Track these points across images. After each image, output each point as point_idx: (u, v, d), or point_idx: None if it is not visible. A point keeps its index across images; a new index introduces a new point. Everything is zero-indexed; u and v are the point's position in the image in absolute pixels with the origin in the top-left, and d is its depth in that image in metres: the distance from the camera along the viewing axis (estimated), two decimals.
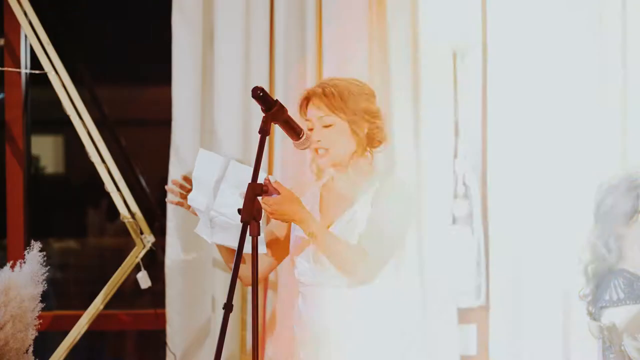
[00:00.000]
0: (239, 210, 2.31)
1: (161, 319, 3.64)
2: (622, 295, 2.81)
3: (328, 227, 2.59)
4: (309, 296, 2.62)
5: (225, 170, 2.45)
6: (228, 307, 2.24)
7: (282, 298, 3.52)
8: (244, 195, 2.33)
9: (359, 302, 2.55)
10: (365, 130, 2.61)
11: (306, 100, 2.65)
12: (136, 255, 3.47)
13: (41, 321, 2.89)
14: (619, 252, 2.89)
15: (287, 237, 2.74)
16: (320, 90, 2.62)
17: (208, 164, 2.48)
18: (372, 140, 2.64)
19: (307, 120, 2.65)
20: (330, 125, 2.60)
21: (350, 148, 2.61)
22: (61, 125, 3.89)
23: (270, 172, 3.60)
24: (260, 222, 2.34)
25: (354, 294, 2.55)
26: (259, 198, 2.35)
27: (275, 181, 2.43)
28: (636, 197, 2.87)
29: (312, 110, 2.63)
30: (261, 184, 2.34)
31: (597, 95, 3.67)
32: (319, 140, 2.60)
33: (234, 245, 2.39)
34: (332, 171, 2.70)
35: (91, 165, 3.46)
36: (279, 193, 2.42)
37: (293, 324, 2.71)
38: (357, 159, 2.64)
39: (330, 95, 2.59)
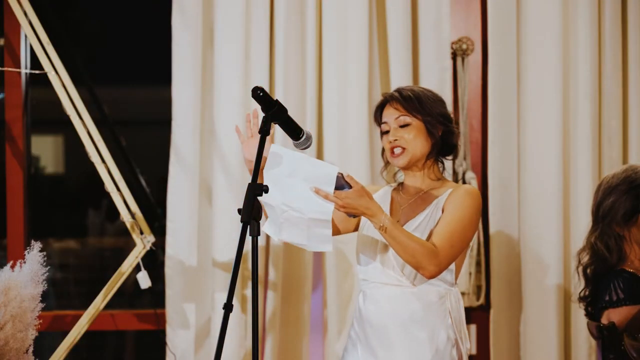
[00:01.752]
0: (239, 210, 2.31)
1: (161, 319, 3.64)
2: (621, 296, 2.80)
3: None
4: (370, 294, 2.69)
5: (296, 164, 2.45)
6: (228, 307, 2.24)
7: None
8: (314, 189, 2.40)
9: (418, 302, 2.62)
10: (440, 133, 2.70)
11: (382, 105, 2.75)
12: (136, 255, 3.47)
13: (41, 321, 2.89)
14: (619, 252, 2.89)
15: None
16: (397, 94, 2.72)
17: (279, 159, 2.47)
18: (445, 144, 2.73)
19: (383, 123, 2.73)
20: (407, 125, 2.68)
21: (426, 148, 2.69)
22: (61, 125, 3.89)
23: None
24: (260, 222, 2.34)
25: (413, 293, 2.62)
26: (333, 192, 2.41)
27: (348, 175, 2.47)
28: (636, 198, 2.87)
29: (389, 112, 2.72)
30: (261, 184, 2.34)
31: (596, 95, 3.67)
32: (395, 139, 2.68)
33: (303, 243, 2.47)
34: (402, 176, 2.79)
35: (91, 165, 3.46)
36: (351, 186, 2.46)
37: (352, 321, 2.77)
38: (431, 164, 2.73)
39: (407, 97, 2.69)
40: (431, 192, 2.71)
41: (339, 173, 2.43)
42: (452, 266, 2.65)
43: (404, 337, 2.62)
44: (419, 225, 2.65)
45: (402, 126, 2.69)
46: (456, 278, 2.70)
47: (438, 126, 2.70)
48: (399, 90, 2.73)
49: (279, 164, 2.45)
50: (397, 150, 2.68)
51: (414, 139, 2.68)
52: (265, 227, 2.55)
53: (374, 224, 2.51)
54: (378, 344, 2.64)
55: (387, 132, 2.72)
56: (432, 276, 2.55)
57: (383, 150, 2.77)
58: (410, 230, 2.62)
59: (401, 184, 2.81)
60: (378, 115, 2.76)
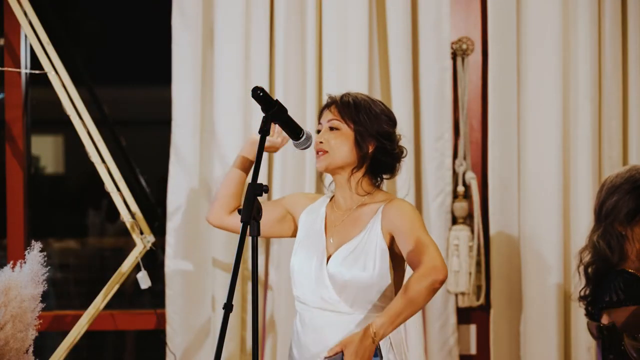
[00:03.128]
0: (239, 210, 2.31)
1: (161, 319, 3.64)
2: (622, 296, 2.80)
3: (335, 251, 2.57)
4: (309, 319, 2.59)
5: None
6: (228, 307, 2.24)
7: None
8: None
9: (358, 329, 2.48)
10: (371, 149, 2.60)
11: (325, 107, 2.67)
12: (136, 255, 3.47)
13: (41, 321, 2.89)
14: (621, 252, 2.89)
15: (275, 219, 2.76)
16: (337, 97, 2.65)
17: None
18: (376, 162, 2.62)
19: (319, 124, 2.67)
20: (336, 129, 2.60)
21: (351, 159, 2.59)
22: (61, 125, 3.89)
23: (270, 172, 3.60)
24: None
25: (353, 320, 2.52)
26: None
27: (327, 351, 2.39)
28: (639, 197, 2.87)
29: (326, 114, 2.64)
30: (261, 184, 2.34)
31: (596, 95, 3.67)
32: (321, 142, 2.60)
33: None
34: (332, 185, 2.70)
35: (91, 165, 3.46)
36: (341, 353, 2.36)
37: (290, 343, 2.68)
38: (359, 178, 2.62)
39: (345, 103, 2.61)
40: (362, 211, 2.60)
41: (325, 359, 2.38)
42: (392, 288, 2.53)
43: None
44: (354, 250, 2.53)
45: (331, 129, 2.61)
46: (392, 298, 2.54)
47: (370, 140, 2.58)
48: (342, 95, 2.64)
49: None
50: (320, 154, 2.60)
51: (338, 145, 2.58)
52: None
53: (384, 335, 2.38)
54: None
55: (318, 132, 2.65)
56: (446, 277, 2.40)
57: None
58: (345, 255, 2.52)
59: (334, 196, 2.72)
60: (320, 116, 2.68)
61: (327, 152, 2.59)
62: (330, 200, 2.72)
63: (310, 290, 2.58)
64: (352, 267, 2.51)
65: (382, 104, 2.66)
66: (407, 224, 2.49)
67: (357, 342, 2.35)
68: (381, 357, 2.47)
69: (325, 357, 2.38)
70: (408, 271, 2.58)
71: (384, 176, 2.67)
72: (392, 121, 2.64)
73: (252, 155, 2.79)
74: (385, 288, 2.51)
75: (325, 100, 2.71)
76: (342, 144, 2.58)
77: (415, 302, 2.36)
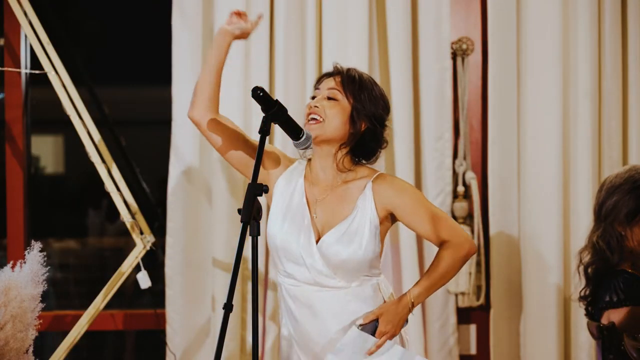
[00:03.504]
0: (239, 210, 2.31)
1: (161, 319, 3.64)
2: (622, 296, 2.80)
3: (325, 230, 2.56)
4: (304, 298, 2.57)
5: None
6: (228, 307, 2.24)
7: None
8: (369, 352, 2.48)
9: (356, 300, 2.55)
10: (362, 127, 2.58)
11: (328, 75, 2.63)
12: (136, 255, 3.47)
13: (41, 321, 2.89)
14: (621, 252, 2.89)
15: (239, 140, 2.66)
16: (344, 69, 2.62)
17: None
18: (361, 143, 2.60)
19: (316, 89, 2.63)
20: (334, 99, 2.58)
21: (342, 132, 2.56)
22: (61, 125, 3.89)
23: None
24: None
25: (350, 292, 2.55)
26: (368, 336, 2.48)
27: (363, 318, 2.51)
28: (638, 198, 2.87)
29: (327, 82, 2.61)
30: (261, 184, 2.34)
31: (596, 95, 3.67)
32: (316, 106, 2.56)
33: None
34: (310, 155, 2.65)
35: (91, 165, 3.46)
36: (376, 320, 2.50)
37: (283, 318, 2.64)
38: (343, 155, 2.59)
39: (350, 77, 2.59)
40: (347, 187, 2.58)
41: (359, 327, 2.48)
42: (377, 254, 2.57)
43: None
44: (348, 229, 2.53)
45: (329, 98, 2.58)
46: (379, 265, 2.65)
47: (364, 119, 2.56)
48: (349, 68, 2.62)
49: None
50: (313, 121, 2.55)
51: (333, 115, 2.54)
52: None
53: (418, 303, 2.55)
54: (321, 350, 2.55)
55: (314, 98, 2.61)
56: (476, 248, 2.57)
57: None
58: (339, 236, 2.53)
59: (309, 166, 2.65)
60: (318, 82, 2.64)
61: (320, 120, 2.55)
62: (306, 171, 2.66)
63: (298, 266, 2.56)
64: (348, 247, 2.53)
65: (381, 89, 2.65)
66: (410, 201, 2.57)
67: (392, 311, 2.50)
68: (406, 320, 2.56)
69: (360, 325, 2.49)
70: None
71: (363, 160, 2.64)
72: (387, 108, 2.65)
73: (226, 43, 2.71)
74: (373, 259, 2.56)
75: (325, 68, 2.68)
76: (336, 115, 2.56)
77: (450, 274, 2.56)
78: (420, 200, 2.58)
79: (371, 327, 2.49)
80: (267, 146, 2.67)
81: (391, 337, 2.50)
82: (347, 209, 2.57)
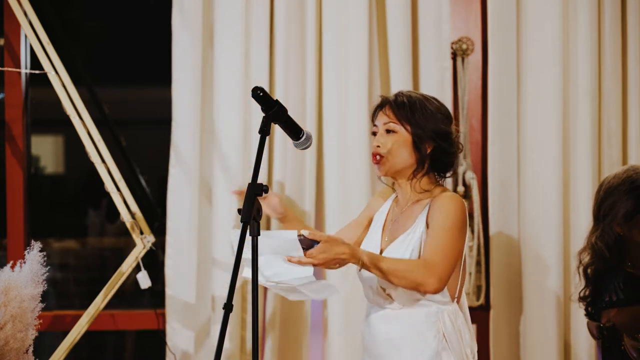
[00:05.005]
0: (239, 210, 2.31)
1: (161, 319, 3.64)
2: (621, 296, 2.80)
3: (387, 246, 2.60)
4: (368, 313, 2.66)
5: (257, 245, 2.36)
6: (228, 307, 2.24)
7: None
8: (287, 258, 2.38)
9: (400, 323, 2.56)
10: (429, 150, 2.58)
11: (379, 107, 2.65)
12: (136, 255, 3.47)
13: (41, 321, 2.89)
14: (620, 252, 2.89)
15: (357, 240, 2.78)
16: (392, 98, 2.62)
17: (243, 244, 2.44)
18: (435, 162, 2.60)
19: (374, 125, 2.65)
20: (393, 132, 2.58)
21: (409, 162, 2.58)
22: (61, 125, 3.89)
23: (270, 172, 3.60)
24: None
25: (398, 315, 2.57)
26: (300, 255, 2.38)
27: (310, 232, 2.41)
28: (637, 198, 2.87)
29: (381, 116, 2.62)
30: (261, 184, 2.34)
31: (596, 95, 3.67)
32: (378, 146, 2.59)
33: (309, 296, 2.49)
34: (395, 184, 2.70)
35: (91, 165, 3.46)
36: (316, 242, 2.39)
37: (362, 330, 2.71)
38: (420, 178, 2.60)
39: (400, 104, 2.58)
40: (414, 207, 2.61)
41: (299, 235, 2.37)
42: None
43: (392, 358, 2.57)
44: (400, 245, 2.56)
45: (388, 132, 2.59)
46: (453, 295, 2.59)
47: (428, 141, 2.57)
48: (396, 95, 2.62)
49: (246, 249, 2.41)
50: (378, 157, 2.59)
51: (396, 149, 2.57)
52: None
53: (357, 265, 2.45)
54: None
55: (374, 134, 2.65)
56: (437, 290, 2.44)
57: None
58: (393, 251, 2.55)
59: (396, 197, 2.74)
60: (373, 116, 2.68)
61: (383, 156, 2.58)
62: (395, 198, 2.73)
63: (365, 285, 2.64)
64: None
65: (436, 100, 2.63)
66: (437, 219, 2.50)
67: (335, 246, 2.39)
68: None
69: (301, 235, 2.38)
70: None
71: (445, 174, 2.65)
72: (447, 119, 2.62)
73: (291, 221, 2.93)
74: None
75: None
76: (400, 148, 2.57)
77: (394, 278, 2.43)
78: (445, 223, 2.48)
79: (308, 243, 2.39)
80: (367, 206, 2.84)
81: (319, 264, 2.40)
82: (407, 226, 2.59)
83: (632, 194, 2.88)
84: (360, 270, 2.55)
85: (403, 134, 2.57)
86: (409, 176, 2.61)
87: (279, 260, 2.40)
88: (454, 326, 2.56)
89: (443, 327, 2.54)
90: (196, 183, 3.60)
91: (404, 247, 2.55)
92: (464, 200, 2.59)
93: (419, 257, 2.52)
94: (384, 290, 2.58)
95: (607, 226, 2.90)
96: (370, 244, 2.68)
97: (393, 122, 2.58)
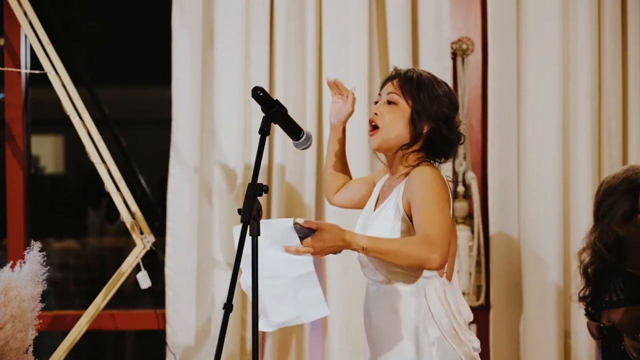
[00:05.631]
0: (239, 210, 2.31)
1: (161, 319, 3.64)
2: (622, 296, 2.80)
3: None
4: (365, 290, 2.64)
5: (257, 245, 2.32)
6: (228, 307, 2.23)
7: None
8: (284, 248, 2.31)
9: (386, 299, 2.53)
10: (426, 129, 2.54)
11: (389, 79, 2.61)
12: (136, 255, 3.47)
13: (41, 321, 2.89)
14: (618, 252, 2.89)
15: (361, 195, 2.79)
16: (402, 71, 2.59)
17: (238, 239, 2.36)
18: (430, 144, 2.55)
19: (379, 95, 2.62)
20: (393, 103, 2.55)
21: (403, 137, 2.54)
22: (61, 125, 3.89)
23: (270, 172, 3.60)
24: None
25: (386, 291, 2.52)
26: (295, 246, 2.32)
27: (305, 220, 2.35)
28: (635, 198, 2.87)
29: (387, 86, 2.59)
30: (261, 184, 2.33)
31: (596, 95, 3.67)
32: (375, 113, 2.56)
33: (295, 316, 2.38)
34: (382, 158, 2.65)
35: (91, 165, 3.46)
36: (313, 230, 2.33)
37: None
38: (409, 155, 2.56)
39: (408, 78, 2.55)
40: (396, 180, 2.58)
41: (294, 223, 2.32)
42: None
43: (383, 336, 2.53)
44: (376, 217, 2.53)
45: (389, 102, 2.56)
46: (442, 269, 2.49)
47: (426, 120, 2.52)
48: (407, 69, 2.59)
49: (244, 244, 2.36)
50: (375, 128, 2.55)
51: (392, 120, 2.53)
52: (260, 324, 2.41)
53: (355, 250, 2.37)
54: (369, 342, 2.61)
55: (377, 103, 2.61)
56: (442, 264, 2.34)
57: None
58: (370, 222, 2.55)
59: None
60: (382, 87, 2.63)
61: (379, 128, 2.54)
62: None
63: (361, 265, 2.61)
64: (373, 232, 2.50)
65: (447, 85, 2.59)
66: (419, 192, 2.42)
67: (332, 233, 2.32)
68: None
69: (297, 223, 2.32)
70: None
71: (437, 160, 2.60)
72: (453, 105, 2.57)
73: (337, 136, 2.82)
74: None
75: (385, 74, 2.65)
76: (396, 120, 2.53)
77: (396, 258, 2.34)
78: (428, 194, 2.41)
79: (305, 232, 2.32)
80: (377, 172, 2.82)
81: (316, 253, 2.32)
82: (384, 199, 2.58)
83: (630, 194, 2.88)
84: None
85: (403, 107, 2.54)
86: (397, 151, 2.57)
87: (276, 251, 2.34)
88: (440, 299, 2.48)
89: (428, 300, 2.48)
90: (196, 183, 3.60)
91: (381, 217, 2.52)
92: (440, 172, 2.52)
93: (393, 228, 2.48)
94: (371, 263, 2.53)
95: (605, 226, 2.90)
96: (363, 216, 2.68)
97: (396, 94, 2.55)
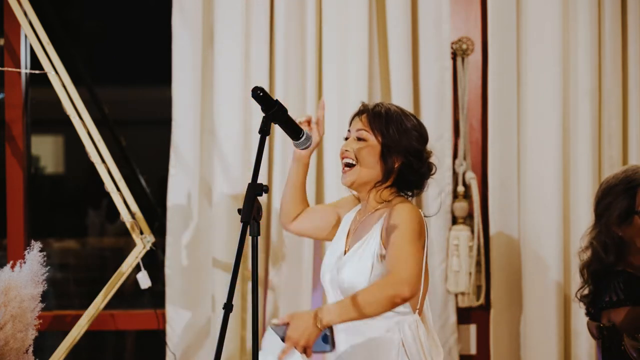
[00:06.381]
0: (239, 210, 2.31)
1: (161, 319, 3.64)
2: (622, 296, 2.80)
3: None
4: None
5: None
6: (228, 307, 2.24)
7: None
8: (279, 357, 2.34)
9: (359, 336, 2.51)
10: (397, 164, 2.55)
11: (357, 114, 2.62)
12: (136, 255, 3.47)
13: (41, 321, 2.89)
14: (616, 252, 2.88)
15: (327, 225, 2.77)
16: (370, 107, 2.60)
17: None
18: (402, 178, 2.57)
19: (348, 131, 2.63)
20: (363, 140, 2.56)
21: (375, 172, 2.55)
22: (61, 125, 3.89)
23: (270, 172, 3.60)
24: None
25: (358, 327, 2.49)
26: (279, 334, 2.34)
27: (279, 318, 2.36)
28: (631, 198, 2.87)
29: (355, 122, 2.60)
30: (261, 184, 2.33)
31: (596, 95, 3.67)
32: (347, 150, 2.57)
33: None
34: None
35: (91, 165, 3.46)
36: (288, 322, 2.34)
37: None
38: (382, 191, 2.57)
39: (376, 114, 2.56)
40: (372, 216, 2.57)
41: (272, 326, 2.35)
42: None
43: None
44: (353, 255, 2.52)
45: (359, 139, 2.56)
46: (414, 306, 2.51)
47: (397, 155, 2.54)
48: (375, 104, 2.60)
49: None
50: (347, 168, 2.56)
51: (364, 157, 2.54)
52: None
53: (329, 323, 2.34)
54: None
55: (346, 139, 2.62)
56: (413, 292, 2.33)
57: None
58: (349, 260, 2.51)
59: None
60: (350, 122, 2.64)
61: (353, 166, 2.55)
62: (359, 210, 2.71)
63: (330, 294, 2.61)
64: (350, 271, 2.50)
65: (415, 118, 2.60)
66: (396, 229, 2.43)
67: (301, 320, 2.33)
68: (333, 345, 2.37)
69: (273, 324, 2.36)
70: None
71: (409, 193, 2.61)
72: (422, 138, 2.58)
73: (302, 166, 2.77)
74: None
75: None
76: (368, 156, 2.54)
77: (369, 309, 2.33)
78: (404, 231, 2.41)
79: (283, 329, 2.35)
80: (341, 199, 2.81)
81: (299, 348, 2.32)
82: (362, 236, 2.55)
83: (627, 194, 2.87)
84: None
85: (372, 143, 2.54)
86: (371, 187, 2.58)
87: None
88: (414, 336, 2.49)
89: (403, 337, 2.48)
90: (196, 183, 3.60)
91: (357, 257, 2.51)
92: (419, 210, 2.52)
93: (373, 269, 2.47)
94: (343, 296, 2.52)
95: (603, 226, 2.90)
96: (334, 254, 2.64)
97: (365, 130, 2.55)
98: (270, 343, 2.40)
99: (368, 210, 2.62)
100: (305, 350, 2.35)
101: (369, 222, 2.57)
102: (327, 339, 2.36)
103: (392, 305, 2.35)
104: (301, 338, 2.31)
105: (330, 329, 2.35)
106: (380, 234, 2.50)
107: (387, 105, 2.59)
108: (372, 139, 2.55)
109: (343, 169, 2.59)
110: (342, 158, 2.59)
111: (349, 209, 2.76)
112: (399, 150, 2.53)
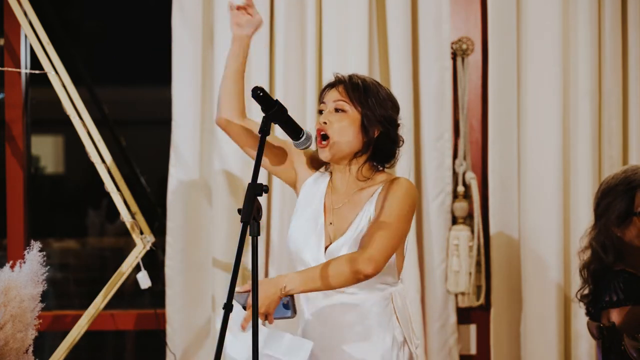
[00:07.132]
0: (239, 210, 2.31)
1: (161, 319, 3.64)
2: (622, 296, 2.80)
3: (336, 238, 2.54)
4: (313, 301, 2.58)
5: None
6: (228, 307, 2.23)
7: None
8: (241, 329, 2.36)
9: (355, 311, 2.52)
10: (376, 134, 2.54)
11: (330, 85, 2.58)
12: (136, 255, 3.46)
13: (41, 321, 2.89)
14: (615, 252, 2.88)
15: (283, 155, 2.69)
16: (346, 78, 2.56)
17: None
18: (378, 149, 2.55)
19: (322, 102, 2.58)
20: (342, 111, 2.52)
21: (355, 144, 2.52)
22: (61, 125, 3.89)
23: (270, 172, 3.60)
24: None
25: (352, 302, 2.51)
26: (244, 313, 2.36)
27: (242, 287, 2.39)
28: (630, 199, 2.87)
29: (331, 94, 2.55)
30: (261, 184, 2.33)
31: (596, 95, 3.67)
32: (324, 122, 2.52)
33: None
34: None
35: (91, 165, 3.46)
36: (248, 290, 2.36)
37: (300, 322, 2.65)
38: (361, 164, 2.56)
39: (355, 85, 2.53)
40: (361, 194, 2.55)
41: (235, 295, 2.34)
42: (393, 264, 2.50)
43: (347, 349, 2.51)
44: (356, 236, 2.49)
45: (337, 110, 2.53)
46: (399, 274, 2.56)
47: (376, 125, 2.51)
48: (350, 76, 2.56)
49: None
50: (324, 138, 2.51)
51: (343, 129, 2.49)
52: None
53: (291, 292, 2.38)
54: (322, 355, 2.54)
55: (322, 112, 2.57)
56: (374, 274, 2.38)
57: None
58: (348, 241, 2.49)
59: (332, 178, 2.64)
60: (322, 94, 2.59)
61: (329, 138, 2.51)
62: (330, 181, 2.64)
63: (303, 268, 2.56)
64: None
65: (387, 88, 2.60)
66: (388, 204, 2.45)
67: (264, 288, 2.36)
68: (294, 311, 2.40)
69: (237, 292, 2.37)
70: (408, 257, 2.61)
71: (385, 164, 2.60)
72: (396, 107, 2.59)
73: (243, 50, 2.72)
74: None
75: (326, 80, 2.61)
76: (347, 128, 2.51)
77: (333, 281, 2.38)
78: (392, 208, 2.44)
79: (244, 297, 2.38)
80: (303, 151, 2.68)
81: (260, 315, 2.34)
82: (354, 216, 2.54)
83: (626, 194, 2.87)
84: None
85: (352, 114, 2.51)
86: (350, 159, 2.55)
87: (244, 339, 2.39)
88: (403, 305, 2.55)
89: (396, 307, 2.52)
90: (196, 183, 3.60)
91: (353, 242, 2.49)
92: (415, 188, 2.54)
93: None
94: None
95: (602, 226, 2.90)
96: (312, 229, 2.57)
97: (343, 101, 2.52)
98: (234, 312, 2.35)
99: (350, 187, 2.58)
100: (266, 317, 2.38)
101: (359, 201, 2.54)
102: (288, 305, 2.39)
103: (356, 280, 2.41)
104: (262, 305, 2.35)
105: (291, 295, 2.38)
106: (374, 210, 2.49)
107: (362, 76, 2.58)
108: (352, 110, 2.52)
109: (320, 142, 2.54)
110: (320, 131, 2.54)
111: (307, 171, 2.68)
112: (378, 120, 2.52)
